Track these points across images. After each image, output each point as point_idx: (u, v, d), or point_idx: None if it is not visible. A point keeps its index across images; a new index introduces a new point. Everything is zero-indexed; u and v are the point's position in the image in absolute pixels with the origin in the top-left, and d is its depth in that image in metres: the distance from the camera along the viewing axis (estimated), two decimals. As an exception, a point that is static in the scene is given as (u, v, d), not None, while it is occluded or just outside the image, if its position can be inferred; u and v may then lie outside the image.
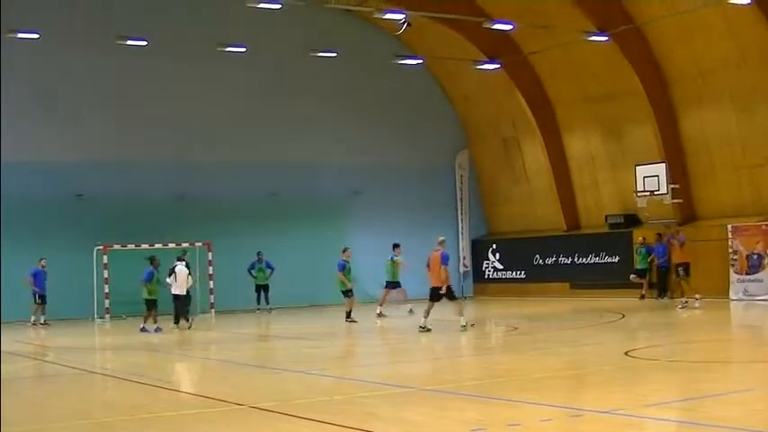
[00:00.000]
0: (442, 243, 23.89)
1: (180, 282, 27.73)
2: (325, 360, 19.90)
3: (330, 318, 29.63)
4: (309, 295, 35.87)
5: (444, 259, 23.38)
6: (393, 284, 30.39)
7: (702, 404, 12.14)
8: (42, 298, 31.25)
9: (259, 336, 27.24)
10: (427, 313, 23.40)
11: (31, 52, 32.67)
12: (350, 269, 28.40)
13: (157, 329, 26.67)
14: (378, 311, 29.23)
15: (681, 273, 29.50)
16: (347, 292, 28.17)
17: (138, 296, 28.27)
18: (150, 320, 27.25)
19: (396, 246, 30.49)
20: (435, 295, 23.55)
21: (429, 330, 23.17)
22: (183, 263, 28.40)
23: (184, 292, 28.00)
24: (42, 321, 31.13)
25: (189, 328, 27.70)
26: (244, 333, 27.14)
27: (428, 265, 23.74)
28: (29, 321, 30.95)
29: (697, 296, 29.25)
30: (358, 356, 20.92)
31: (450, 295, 23.63)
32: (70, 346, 24.62)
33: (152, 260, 27.91)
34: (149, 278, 27.52)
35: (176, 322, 28.10)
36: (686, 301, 29.01)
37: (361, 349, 22.67)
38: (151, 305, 27.48)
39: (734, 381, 14.61)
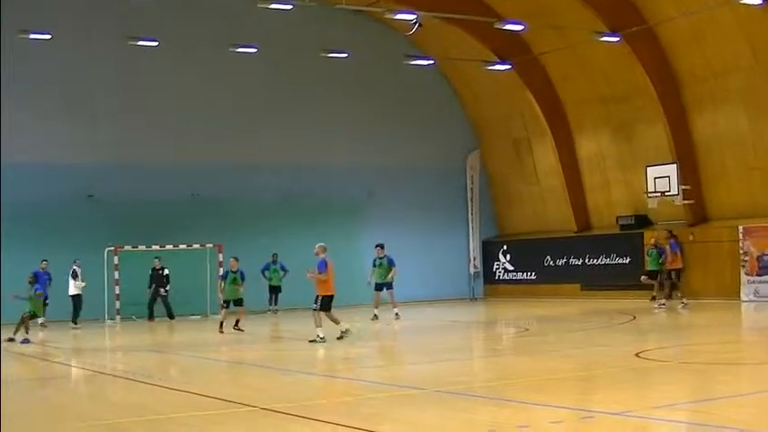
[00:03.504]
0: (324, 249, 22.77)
1: (77, 283, 30.21)
2: (334, 361, 19.89)
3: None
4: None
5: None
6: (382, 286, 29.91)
7: (713, 406, 12.12)
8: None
9: (268, 337, 27.25)
10: (336, 321, 22.51)
11: (44, 53, 32.80)
12: (235, 278, 26.89)
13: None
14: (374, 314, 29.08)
15: (673, 277, 30.47)
16: (227, 303, 26.71)
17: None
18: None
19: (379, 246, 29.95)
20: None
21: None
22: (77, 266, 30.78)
23: (80, 292, 30.26)
24: (40, 322, 30.97)
25: (74, 328, 29.52)
26: (253, 334, 27.13)
27: (322, 273, 22.40)
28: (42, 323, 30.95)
29: (684, 300, 29.87)
30: (367, 358, 20.90)
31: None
32: (80, 348, 24.65)
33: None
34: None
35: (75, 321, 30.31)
36: (685, 303, 29.76)
37: (371, 351, 22.64)
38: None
39: (745, 382, 14.58)
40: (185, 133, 35.88)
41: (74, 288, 30.56)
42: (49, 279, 30.99)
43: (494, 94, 39.99)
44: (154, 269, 33.42)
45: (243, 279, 27.17)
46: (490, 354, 21.59)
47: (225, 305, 26.82)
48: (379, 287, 29.39)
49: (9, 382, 15.87)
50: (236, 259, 27.48)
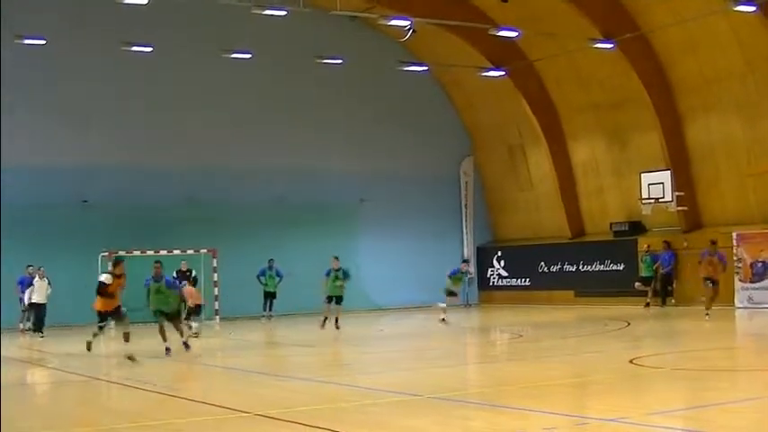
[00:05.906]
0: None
1: (39, 291, 29.77)
2: (330, 367, 19.91)
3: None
4: (316, 302, 35.76)
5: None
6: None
7: (707, 412, 12.15)
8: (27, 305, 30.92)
9: (264, 343, 27.26)
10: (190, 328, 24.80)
11: (38, 57, 32.75)
12: (337, 276, 27.72)
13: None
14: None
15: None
16: (329, 299, 27.63)
17: (142, 303, 28.07)
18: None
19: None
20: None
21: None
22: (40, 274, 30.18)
23: (45, 301, 29.80)
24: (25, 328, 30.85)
25: (40, 337, 29.09)
26: (249, 340, 27.15)
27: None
28: (22, 329, 30.83)
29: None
30: (363, 364, 20.92)
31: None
32: (75, 353, 24.60)
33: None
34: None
35: (37, 330, 29.74)
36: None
37: (367, 357, 22.65)
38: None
39: (739, 389, 14.62)
40: (180, 138, 35.89)
41: (35, 296, 29.95)
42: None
43: (488, 100, 40.04)
44: (179, 271, 32.97)
45: (345, 277, 27.88)
46: (485, 360, 21.61)
47: (327, 300, 27.52)
48: None
49: (6, 387, 15.86)
50: (338, 258, 28.15)
